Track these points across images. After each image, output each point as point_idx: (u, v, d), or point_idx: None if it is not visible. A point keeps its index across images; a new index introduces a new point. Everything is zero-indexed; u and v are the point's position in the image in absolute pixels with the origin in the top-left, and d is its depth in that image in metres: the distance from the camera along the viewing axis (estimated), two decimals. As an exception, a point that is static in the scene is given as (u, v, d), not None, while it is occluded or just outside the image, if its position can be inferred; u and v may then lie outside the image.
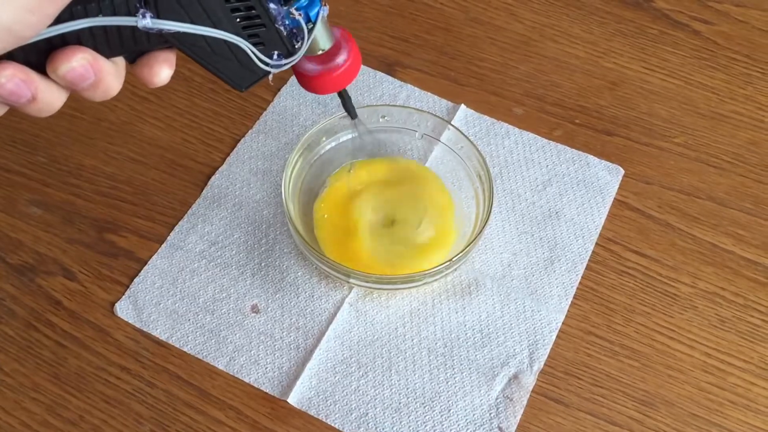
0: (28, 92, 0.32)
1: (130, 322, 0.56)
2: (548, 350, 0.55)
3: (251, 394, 0.54)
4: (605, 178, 0.64)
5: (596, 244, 0.60)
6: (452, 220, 0.59)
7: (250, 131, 0.66)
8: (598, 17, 0.75)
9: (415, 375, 0.54)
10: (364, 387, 0.54)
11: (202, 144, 0.65)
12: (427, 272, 0.53)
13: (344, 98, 0.47)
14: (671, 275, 0.59)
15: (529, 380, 0.54)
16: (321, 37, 0.39)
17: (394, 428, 0.52)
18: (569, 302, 0.58)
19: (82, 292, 0.58)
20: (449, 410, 0.53)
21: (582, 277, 0.59)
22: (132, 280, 0.58)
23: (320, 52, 0.40)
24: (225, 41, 0.35)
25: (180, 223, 0.61)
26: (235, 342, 0.55)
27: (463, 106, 0.67)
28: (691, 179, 0.64)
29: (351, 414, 0.53)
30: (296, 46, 0.38)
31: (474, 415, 0.53)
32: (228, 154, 0.65)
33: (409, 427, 0.52)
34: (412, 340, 0.56)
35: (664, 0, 0.75)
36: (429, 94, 0.69)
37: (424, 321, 0.57)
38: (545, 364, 0.55)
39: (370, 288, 0.56)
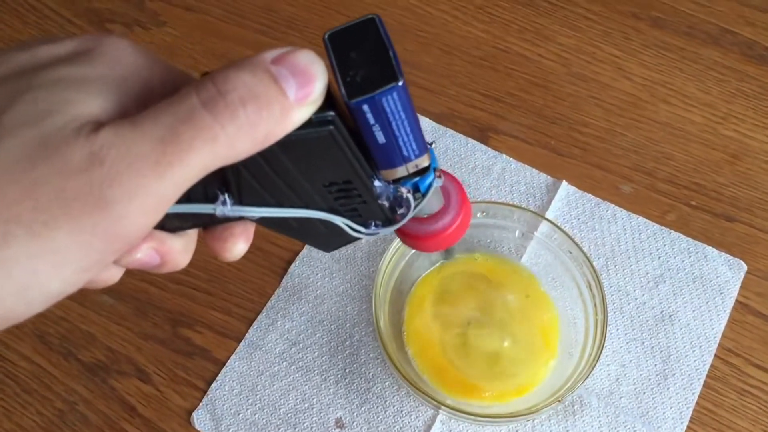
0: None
1: (207, 435, 0.53)
2: (662, 487, 0.50)
3: None
4: (725, 274, 0.57)
5: (715, 355, 0.54)
6: (555, 339, 0.53)
7: (331, 209, 0.61)
8: (716, 73, 0.67)
9: None
10: None
11: (280, 223, 0.61)
12: (532, 413, 0.48)
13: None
14: (801, 398, 0.53)
15: None
16: (429, 204, 0.33)
17: None
18: (685, 427, 0.52)
19: (157, 398, 0.54)
20: None
21: (699, 396, 0.53)
22: (209, 385, 0.54)
23: (426, 216, 0.34)
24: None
25: (258, 318, 0.57)
26: (318, 463, 0.52)
27: (564, 182, 0.61)
28: (824, 279, 0.57)
29: None
30: (399, 212, 0.32)
31: None
32: (308, 236, 0.60)
33: None
34: (510, 467, 0.51)
35: (793, 53, 0.67)
36: (526, 166, 0.62)
37: (523, 446, 0.52)
38: (658, 504, 0.50)
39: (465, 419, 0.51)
